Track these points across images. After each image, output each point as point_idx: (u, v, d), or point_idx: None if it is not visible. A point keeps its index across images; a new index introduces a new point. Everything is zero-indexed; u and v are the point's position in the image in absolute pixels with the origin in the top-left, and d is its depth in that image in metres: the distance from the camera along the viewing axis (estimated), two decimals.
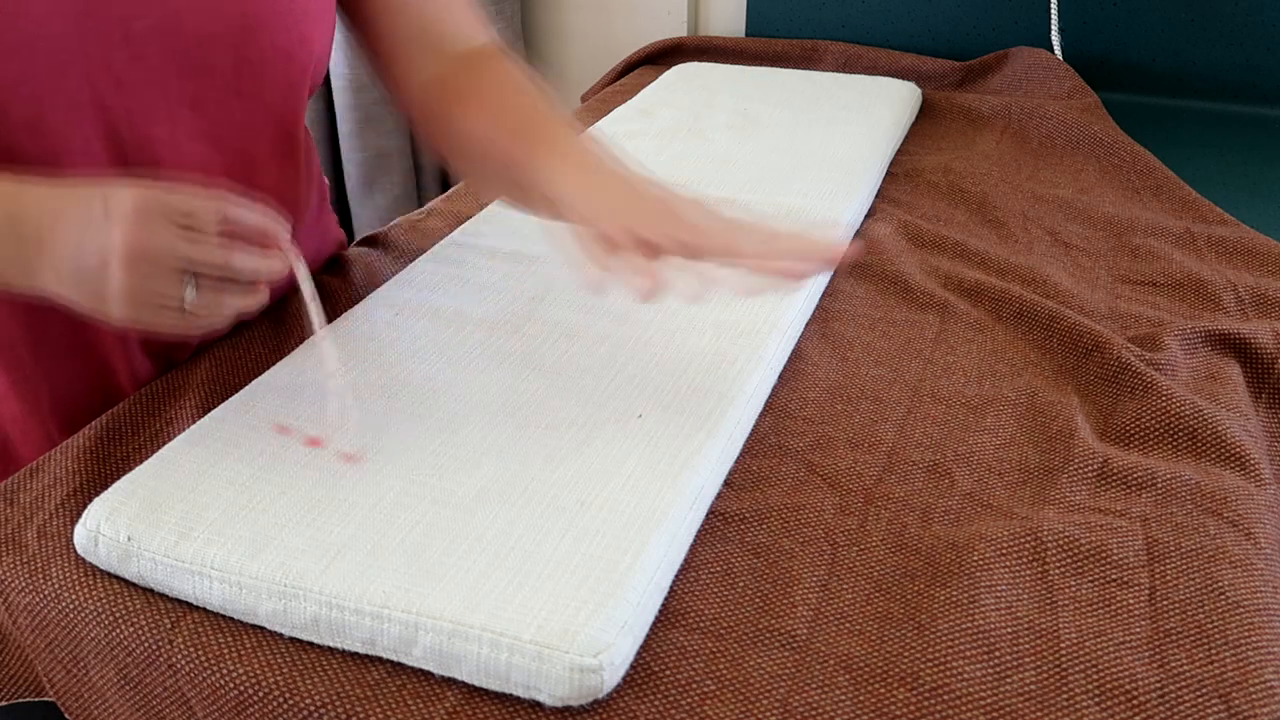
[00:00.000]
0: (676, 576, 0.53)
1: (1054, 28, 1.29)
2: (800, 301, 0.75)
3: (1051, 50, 1.30)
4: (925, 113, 1.22)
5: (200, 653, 0.50)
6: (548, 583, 0.49)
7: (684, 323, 0.71)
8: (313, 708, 0.48)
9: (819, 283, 0.79)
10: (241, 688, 0.49)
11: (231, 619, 0.51)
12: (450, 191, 1.03)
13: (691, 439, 0.59)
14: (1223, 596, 0.51)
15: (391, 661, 0.49)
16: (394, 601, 0.48)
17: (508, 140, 0.66)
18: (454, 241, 0.85)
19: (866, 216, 0.94)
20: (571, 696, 0.46)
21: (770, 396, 0.68)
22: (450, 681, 0.48)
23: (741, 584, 0.53)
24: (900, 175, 1.04)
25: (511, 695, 0.47)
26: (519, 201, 0.70)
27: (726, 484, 0.60)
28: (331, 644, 0.50)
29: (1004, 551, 0.54)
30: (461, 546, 0.51)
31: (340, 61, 1.53)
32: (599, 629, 0.46)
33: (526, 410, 0.62)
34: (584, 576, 0.49)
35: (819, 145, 1.03)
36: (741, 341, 0.68)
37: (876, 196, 0.98)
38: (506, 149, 0.66)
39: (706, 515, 0.57)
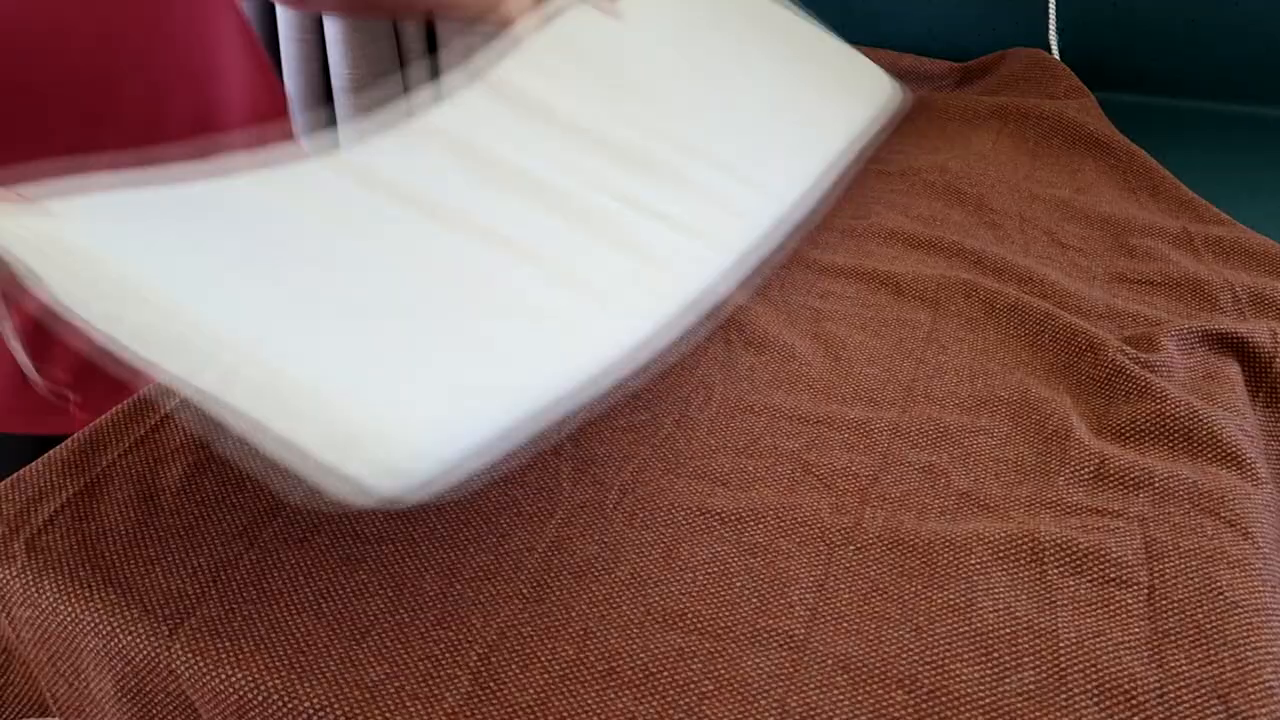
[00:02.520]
0: (672, 576, 0.53)
1: (1052, 28, 1.29)
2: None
3: (1050, 51, 1.30)
4: (922, 112, 1.22)
5: (199, 658, 0.50)
6: (396, 385, 0.48)
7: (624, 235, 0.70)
8: (312, 710, 0.48)
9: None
10: (241, 691, 0.49)
11: (230, 623, 0.52)
12: None
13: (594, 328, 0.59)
14: (1221, 596, 0.51)
15: (390, 661, 0.49)
16: (238, 333, 0.47)
17: None
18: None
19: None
20: (366, 483, 0.44)
21: (763, 397, 0.68)
22: (449, 682, 0.48)
23: (738, 584, 0.53)
24: (895, 174, 1.04)
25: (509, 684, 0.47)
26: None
27: (721, 483, 0.60)
28: (159, 359, 0.47)
29: (1001, 552, 0.54)
30: (349, 326, 0.51)
31: (340, 62, 1.53)
32: (415, 430, 0.46)
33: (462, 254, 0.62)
34: (433, 391, 0.49)
35: (778, 114, 0.96)
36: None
37: (871, 197, 0.98)
38: None
39: (701, 514, 0.58)
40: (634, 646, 0.50)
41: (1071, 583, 0.53)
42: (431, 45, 1.65)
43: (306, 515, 0.58)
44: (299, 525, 0.57)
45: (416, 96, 0.82)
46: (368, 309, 0.54)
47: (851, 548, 0.55)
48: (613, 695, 0.47)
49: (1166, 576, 0.53)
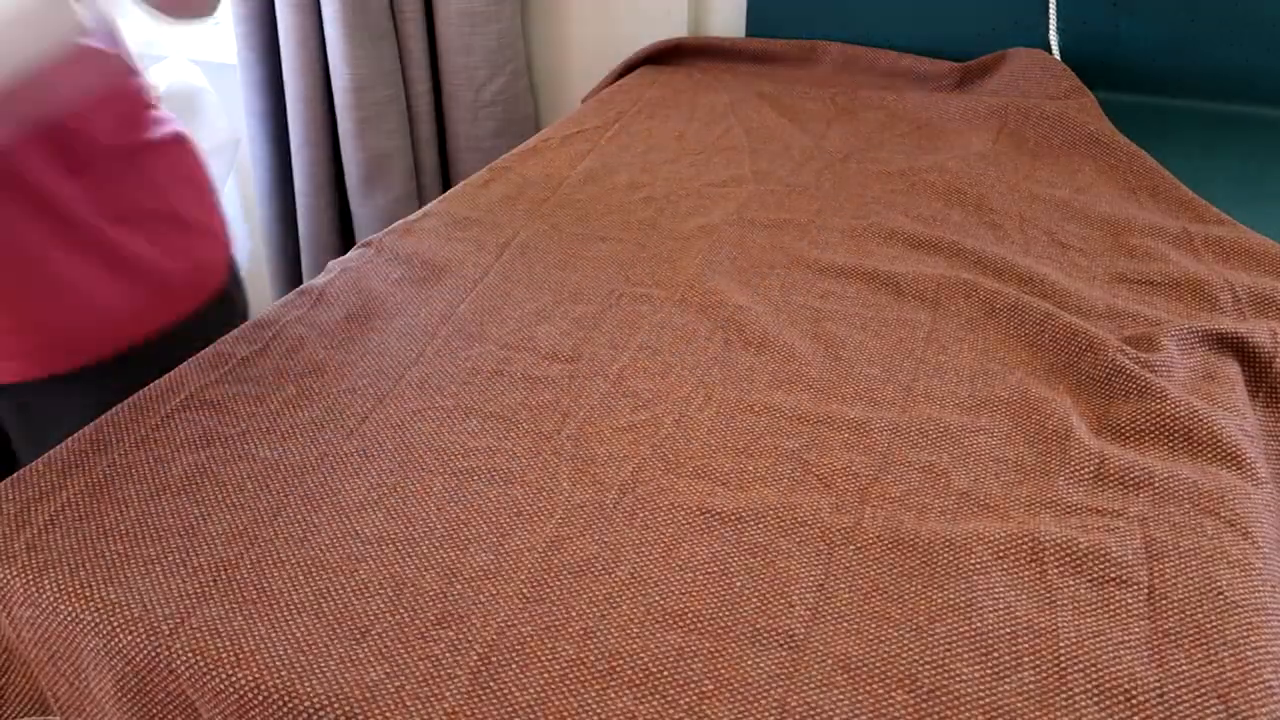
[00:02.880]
0: (672, 576, 0.53)
1: (1052, 28, 1.29)
2: None
3: (1050, 51, 1.30)
4: (922, 112, 1.22)
5: (200, 658, 0.50)
6: None
7: None
8: (312, 710, 0.48)
9: None
10: (241, 691, 0.49)
11: (230, 623, 0.52)
12: (448, 194, 1.03)
13: None
14: (1221, 596, 0.51)
15: (390, 661, 0.49)
16: None
17: None
18: None
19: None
20: None
21: (763, 396, 0.68)
22: (449, 681, 0.48)
23: (738, 584, 0.53)
24: (895, 174, 1.04)
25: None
26: None
27: (721, 483, 0.60)
28: None
29: (1001, 552, 0.54)
30: None
31: (340, 62, 1.53)
32: None
33: None
34: None
35: None
36: None
37: (871, 197, 0.98)
38: None
39: (701, 514, 0.58)
40: (634, 646, 0.50)
41: (1071, 583, 0.53)
42: (432, 47, 1.65)
43: (307, 515, 0.58)
44: (299, 525, 0.58)
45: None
46: None
47: (851, 548, 0.55)
48: (613, 695, 0.47)
49: (1166, 576, 0.53)
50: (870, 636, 0.50)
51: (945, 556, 0.54)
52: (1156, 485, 0.58)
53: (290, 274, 1.82)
